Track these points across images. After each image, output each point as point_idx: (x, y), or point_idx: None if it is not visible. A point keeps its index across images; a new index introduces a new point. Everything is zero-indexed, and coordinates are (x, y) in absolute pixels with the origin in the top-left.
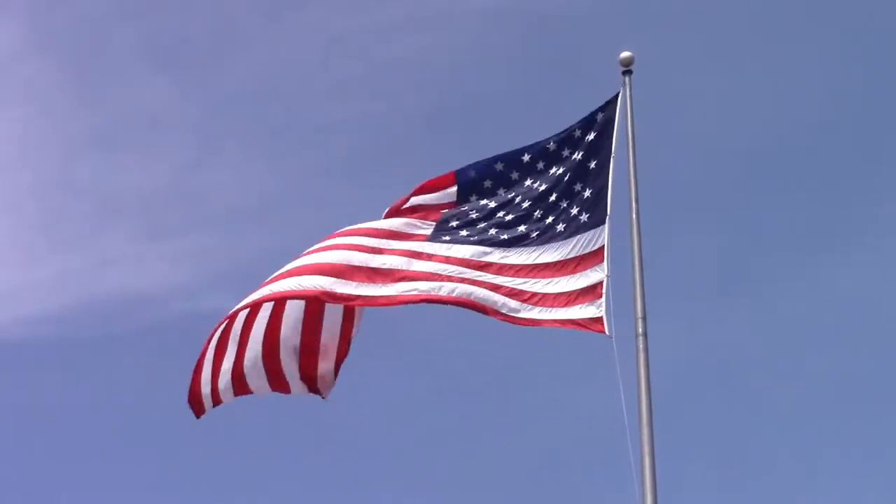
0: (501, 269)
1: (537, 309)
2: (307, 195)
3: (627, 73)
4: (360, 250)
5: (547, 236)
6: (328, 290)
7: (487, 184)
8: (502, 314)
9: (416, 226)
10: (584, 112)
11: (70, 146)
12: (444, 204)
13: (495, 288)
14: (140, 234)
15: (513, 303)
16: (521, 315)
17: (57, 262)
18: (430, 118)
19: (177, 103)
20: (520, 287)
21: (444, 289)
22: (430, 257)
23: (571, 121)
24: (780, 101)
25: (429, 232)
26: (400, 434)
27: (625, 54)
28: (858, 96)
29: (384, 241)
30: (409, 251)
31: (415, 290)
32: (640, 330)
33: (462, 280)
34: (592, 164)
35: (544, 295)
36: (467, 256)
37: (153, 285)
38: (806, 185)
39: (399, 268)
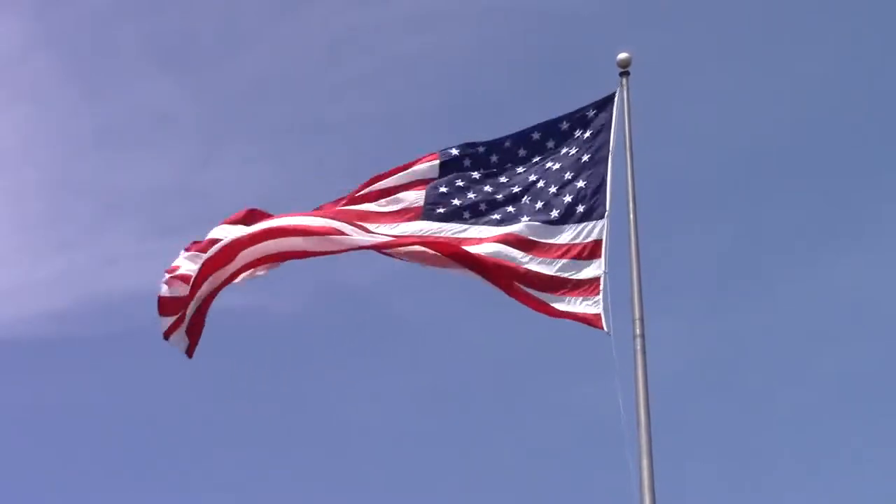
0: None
1: (533, 290)
2: (312, 193)
3: (625, 74)
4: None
5: (539, 219)
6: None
7: (467, 162)
8: (504, 283)
9: (401, 200)
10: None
11: (74, 144)
12: (427, 180)
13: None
14: (144, 232)
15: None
16: (521, 289)
17: (60, 260)
18: (433, 117)
19: (182, 101)
20: (517, 263)
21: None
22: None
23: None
24: (781, 98)
25: (420, 203)
26: (397, 433)
27: (622, 55)
28: (860, 94)
29: (367, 223)
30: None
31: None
32: (638, 331)
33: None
34: (585, 158)
35: (538, 275)
36: (461, 234)
37: (157, 284)
38: (809, 184)
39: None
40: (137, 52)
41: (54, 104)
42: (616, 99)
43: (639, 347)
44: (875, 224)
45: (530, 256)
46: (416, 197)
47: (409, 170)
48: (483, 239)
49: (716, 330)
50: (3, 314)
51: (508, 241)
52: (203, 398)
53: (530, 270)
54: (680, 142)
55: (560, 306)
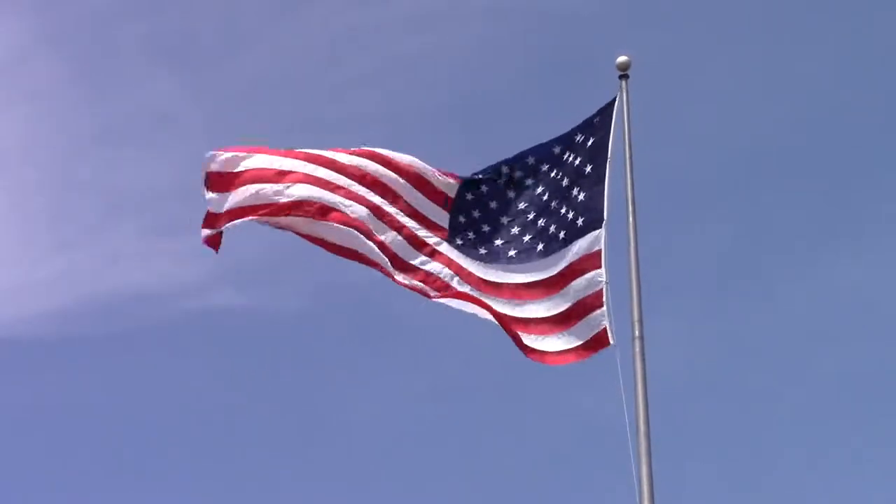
0: (513, 292)
1: (537, 337)
2: None
3: (624, 77)
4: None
5: (549, 247)
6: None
7: (485, 189)
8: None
9: (425, 216)
10: (587, 111)
11: (75, 143)
12: (448, 198)
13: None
14: (146, 230)
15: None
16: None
17: (61, 259)
18: (433, 117)
19: (182, 101)
20: (523, 314)
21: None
22: (449, 262)
23: (574, 119)
24: (781, 98)
25: (445, 224)
26: (397, 433)
27: (621, 59)
28: (860, 94)
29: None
30: (428, 246)
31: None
32: (637, 333)
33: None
34: (588, 169)
35: (545, 319)
36: (479, 274)
37: (160, 282)
38: (809, 184)
39: (412, 261)
40: (137, 52)
41: (54, 104)
42: (616, 103)
43: (638, 349)
44: (875, 224)
45: (538, 302)
46: (441, 216)
47: (431, 177)
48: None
49: (716, 330)
50: (4, 314)
51: (520, 290)
52: (203, 398)
53: (536, 318)
54: (680, 141)
55: (562, 344)
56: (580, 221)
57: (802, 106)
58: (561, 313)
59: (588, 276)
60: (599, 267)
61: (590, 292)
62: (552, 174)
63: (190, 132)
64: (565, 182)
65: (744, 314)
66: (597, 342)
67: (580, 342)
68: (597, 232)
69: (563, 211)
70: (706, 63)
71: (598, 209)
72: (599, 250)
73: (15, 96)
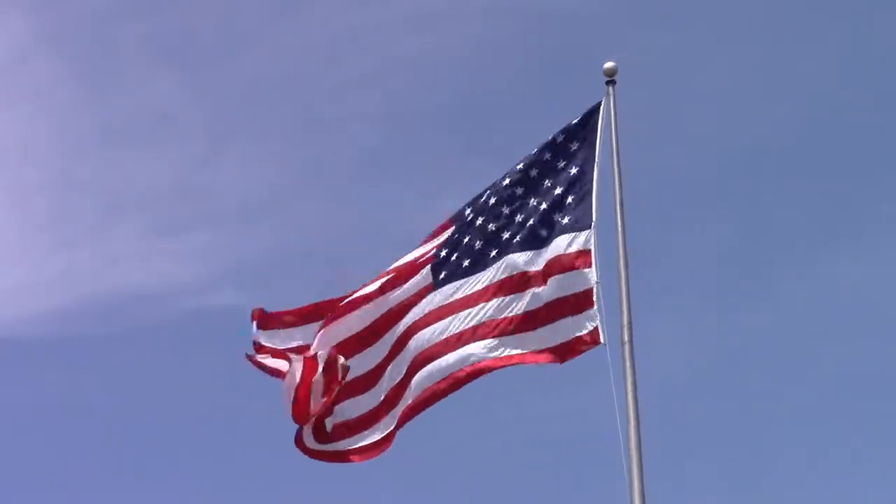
0: (496, 291)
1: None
2: (315, 192)
3: (611, 83)
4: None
5: (529, 242)
6: None
7: (475, 215)
8: (497, 361)
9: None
10: (586, 110)
11: (75, 143)
12: (443, 242)
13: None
14: (147, 230)
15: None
16: (513, 352)
17: (61, 259)
18: (433, 117)
19: (182, 101)
20: (508, 314)
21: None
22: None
23: (573, 118)
24: (781, 98)
25: (430, 280)
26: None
27: (608, 65)
28: (860, 94)
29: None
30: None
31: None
32: (626, 338)
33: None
34: (573, 171)
35: (531, 312)
36: (462, 296)
37: (160, 282)
38: (809, 184)
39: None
40: (138, 51)
41: (55, 104)
42: (602, 107)
43: (627, 354)
44: (875, 224)
45: (522, 295)
46: (424, 275)
47: (429, 244)
48: (478, 296)
49: (715, 330)
50: (4, 314)
51: (503, 287)
52: (203, 398)
53: (523, 313)
54: (680, 141)
55: (550, 339)
56: (567, 220)
57: (802, 106)
58: (538, 309)
59: (577, 273)
60: (590, 266)
61: (579, 290)
62: (540, 180)
63: (190, 132)
64: (548, 183)
65: (744, 314)
66: (587, 340)
67: (569, 338)
68: (585, 232)
69: (548, 212)
70: (706, 63)
71: (587, 211)
72: (589, 250)
73: (15, 96)
